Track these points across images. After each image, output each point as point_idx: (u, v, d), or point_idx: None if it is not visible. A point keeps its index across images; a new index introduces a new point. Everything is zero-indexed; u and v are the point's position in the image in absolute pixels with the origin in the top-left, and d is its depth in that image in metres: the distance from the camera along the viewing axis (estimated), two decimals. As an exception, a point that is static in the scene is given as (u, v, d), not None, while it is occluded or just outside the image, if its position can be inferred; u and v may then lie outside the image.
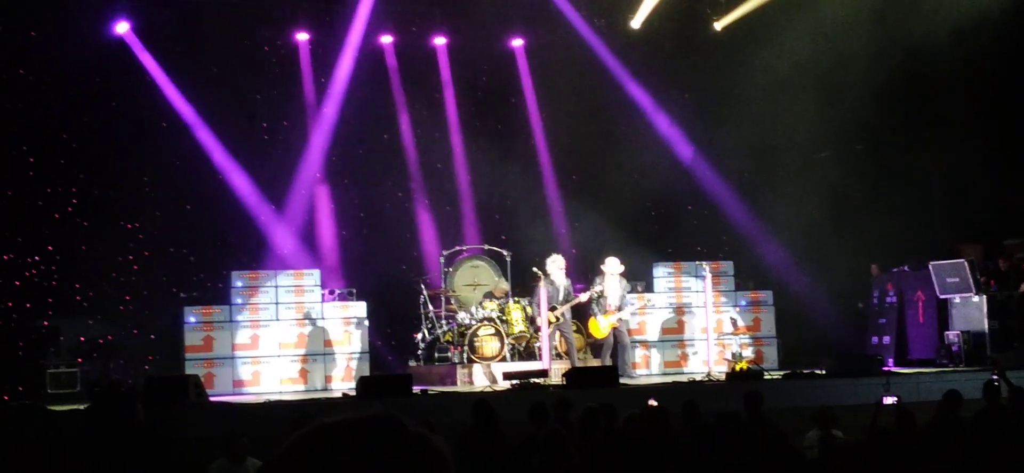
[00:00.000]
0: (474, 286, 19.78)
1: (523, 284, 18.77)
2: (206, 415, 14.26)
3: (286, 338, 18.30)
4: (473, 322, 18.02)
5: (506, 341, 17.87)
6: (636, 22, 21.57)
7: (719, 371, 17.75)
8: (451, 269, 19.73)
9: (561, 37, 21.54)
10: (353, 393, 15.96)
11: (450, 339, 18.31)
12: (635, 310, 19.35)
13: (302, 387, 18.04)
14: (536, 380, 16.29)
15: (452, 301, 19.17)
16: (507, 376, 16.71)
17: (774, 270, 21.45)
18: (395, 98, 21.02)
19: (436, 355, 18.46)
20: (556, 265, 18.17)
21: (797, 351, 19.89)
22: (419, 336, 18.78)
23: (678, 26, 21.92)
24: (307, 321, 18.39)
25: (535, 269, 17.85)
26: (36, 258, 18.63)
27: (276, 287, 18.39)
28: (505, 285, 18.82)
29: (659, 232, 21.89)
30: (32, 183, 18.64)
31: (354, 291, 19.03)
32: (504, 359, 17.78)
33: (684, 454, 8.32)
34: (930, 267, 19.37)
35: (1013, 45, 20.64)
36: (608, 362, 17.94)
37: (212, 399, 15.70)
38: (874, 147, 21.39)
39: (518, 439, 9.95)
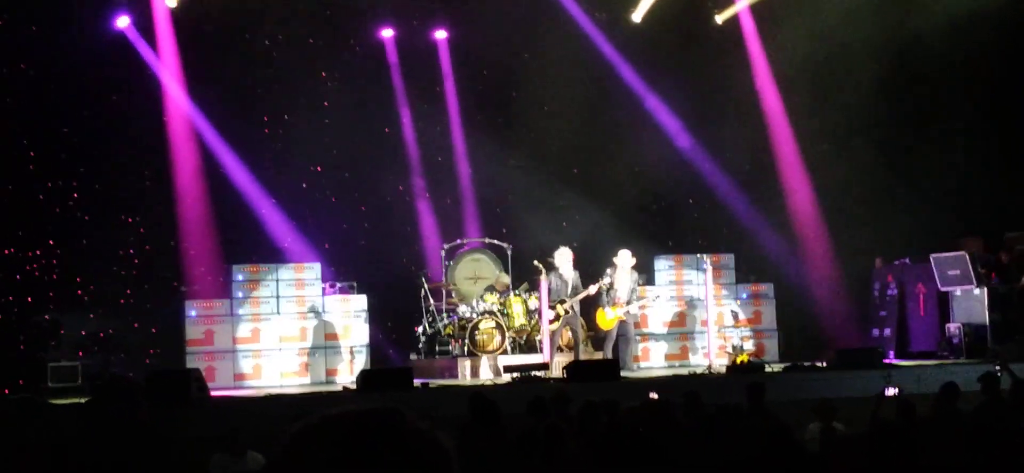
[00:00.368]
0: (475, 279, 19.79)
1: (526, 278, 18.76)
2: (207, 409, 14.26)
3: (287, 332, 18.31)
4: (474, 315, 18.02)
5: (507, 334, 17.88)
6: (637, 16, 21.54)
7: (720, 364, 17.76)
8: (452, 262, 19.74)
9: (563, 30, 21.52)
10: (354, 387, 15.96)
11: (451, 332, 18.32)
12: (651, 302, 19.28)
13: (303, 381, 18.05)
14: (536, 373, 16.30)
15: (453, 295, 19.17)
16: (507, 369, 16.72)
17: (775, 263, 21.44)
18: (396, 91, 21.00)
19: (437, 348, 18.49)
20: (564, 258, 18.16)
21: (798, 344, 19.89)
22: (420, 330, 18.78)
23: (679, 19, 21.88)
24: (308, 315, 18.40)
25: (536, 263, 17.83)
26: (37, 252, 18.63)
27: (277, 281, 18.40)
28: (506, 278, 18.83)
29: (660, 225, 21.87)
30: (33, 177, 18.65)
31: (355, 285, 19.04)
32: (505, 352, 17.79)
33: (685, 446, 8.32)
34: (931, 260, 19.37)
35: (1014, 38, 20.63)
36: (610, 355, 17.95)
37: (213, 393, 15.71)
38: (875, 140, 21.37)
39: (518, 433, 9.94)
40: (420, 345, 18.78)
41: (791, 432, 8.15)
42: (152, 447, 9.51)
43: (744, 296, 20.11)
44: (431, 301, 18.74)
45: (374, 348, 18.94)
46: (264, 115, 20.31)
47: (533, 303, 18.25)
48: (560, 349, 18.19)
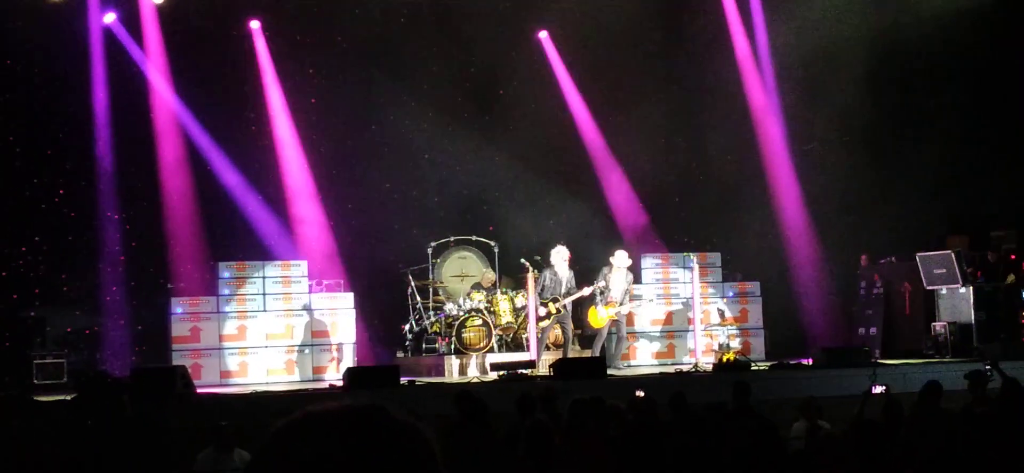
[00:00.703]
0: (462, 277, 19.79)
1: (514, 275, 18.76)
2: (193, 406, 14.24)
3: (273, 329, 18.28)
4: (461, 313, 18.02)
5: (494, 332, 17.88)
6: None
7: (706, 362, 17.78)
8: (439, 260, 19.73)
9: (550, 28, 21.55)
10: (340, 384, 15.95)
11: (438, 330, 18.31)
12: (645, 303, 19.27)
13: (289, 378, 18.03)
14: (523, 371, 16.31)
15: (440, 292, 19.17)
16: (494, 367, 16.72)
17: (762, 261, 21.46)
18: (382, 88, 20.96)
19: (424, 346, 18.48)
20: (560, 256, 18.14)
21: (784, 342, 19.92)
22: (407, 327, 18.77)
23: (666, 16, 21.90)
24: (294, 312, 18.38)
25: (523, 260, 17.82)
26: (23, 249, 18.58)
27: (263, 278, 18.37)
28: (493, 276, 18.82)
29: (647, 223, 21.88)
30: (18, 173, 18.59)
31: (342, 282, 19.02)
32: (492, 350, 17.79)
33: (671, 445, 8.33)
34: (917, 258, 19.42)
35: (1001, 36, 20.69)
36: (598, 353, 17.96)
37: (199, 390, 15.68)
38: (861, 139, 21.41)
39: (505, 430, 9.95)
40: (407, 343, 18.78)
41: (775, 430, 8.17)
42: (137, 444, 9.51)
43: (731, 294, 20.13)
44: (418, 299, 18.73)
45: (360, 346, 18.91)
46: (250, 112, 20.28)
47: (520, 301, 18.23)
48: (548, 347, 18.20)
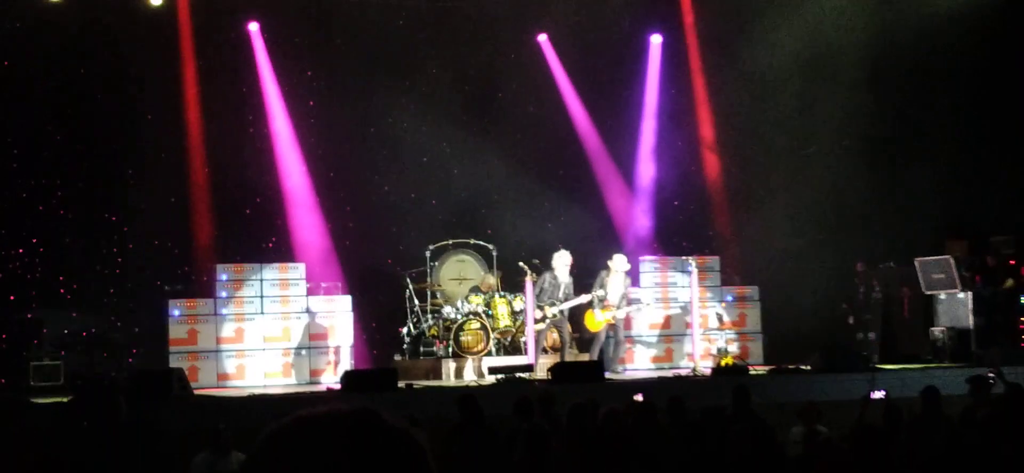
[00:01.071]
0: (460, 280, 19.76)
1: (512, 279, 18.73)
2: (190, 409, 14.21)
3: (271, 332, 18.24)
4: (459, 316, 17.99)
5: (492, 336, 17.85)
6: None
7: (705, 366, 17.75)
8: (437, 263, 19.70)
9: (549, 30, 21.54)
10: (338, 387, 15.92)
11: (436, 333, 18.29)
12: (644, 308, 19.24)
13: (287, 381, 17.99)
14: (521, 375, 16.28)
15: (438, 295, 19.14)
16: (492, 370, 16.69)
17: (760, 266, 21.42)
18: (381, 90, 20.94)
19: (421, 349, 18.45)
20: (561, 261, 18.08)
21: (782, 346, 19.88)
22: (404, 330, 18.75)
23: (665, 18, 21.91)
24: (292, 315, 18.34)
25: (521, 263, 17.79)
26: (20, 250, 18.56)
27: (261, 280, 18.33)
28: (491, 279, 18.80)
29: (646, 227, 21.86)
30: (16, 175, 18.57)
31: (339, 285, 18.99)
32: (489, 354, 17.77)
33: (670, 449, 8.31)
34: (915, 263, 19.40)
35: (998, 41, 20.67)
36: (596, 357, 17.94)
37: (196, 392, 15.65)
38: (859, 144, 21.38)
39: (503, 434, 9.93)
40: (404, 346, 18.75)
41: (773, 435, 8.15)
42: (134, 446, 9.47)
43: (729, 299, 20.09)
44: (416, 302, 18.70)
45: (358, 349, 18.88)
46: (249, 114, 20.25)
47: (518, 304, 18.21)
48: (545, 351, 18.17)
